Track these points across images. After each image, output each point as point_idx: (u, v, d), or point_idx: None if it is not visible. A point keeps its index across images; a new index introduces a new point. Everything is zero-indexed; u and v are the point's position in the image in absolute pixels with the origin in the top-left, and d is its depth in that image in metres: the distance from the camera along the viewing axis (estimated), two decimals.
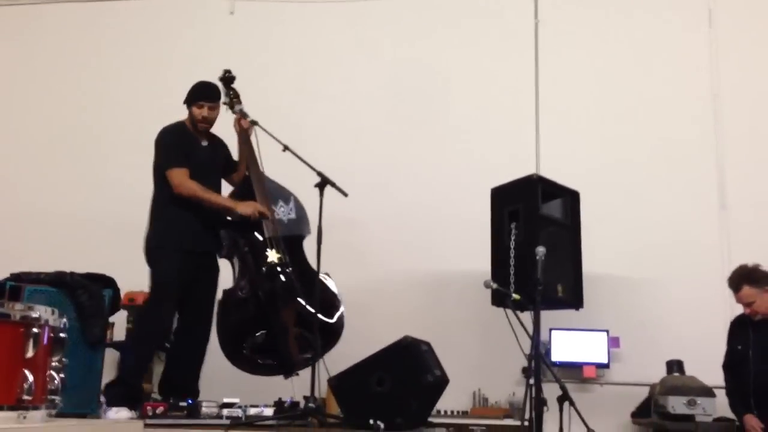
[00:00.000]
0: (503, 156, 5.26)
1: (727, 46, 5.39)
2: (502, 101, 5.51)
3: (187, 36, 5.97)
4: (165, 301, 3.85)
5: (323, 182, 3.75)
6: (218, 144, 4.17)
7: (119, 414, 3.43)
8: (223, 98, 4.14)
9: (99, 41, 6.05)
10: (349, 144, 5.48)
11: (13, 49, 6.16)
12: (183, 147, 3.96)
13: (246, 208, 3.88)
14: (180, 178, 3.85)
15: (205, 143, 4.07)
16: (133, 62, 5.95)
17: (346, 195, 3.75)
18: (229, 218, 3.90)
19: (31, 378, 1.90)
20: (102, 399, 3.59)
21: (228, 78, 4.20)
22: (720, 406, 4.30)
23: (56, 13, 6.13)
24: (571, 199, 4.45)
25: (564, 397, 3.46)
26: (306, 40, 5.82)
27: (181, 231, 3.87)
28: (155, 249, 3.89)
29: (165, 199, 3.93)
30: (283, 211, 4.05)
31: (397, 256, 5.28)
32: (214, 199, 3.90)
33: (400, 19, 5.77)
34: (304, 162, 3.84)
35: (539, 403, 3.37)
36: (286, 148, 4.02)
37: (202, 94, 4.01)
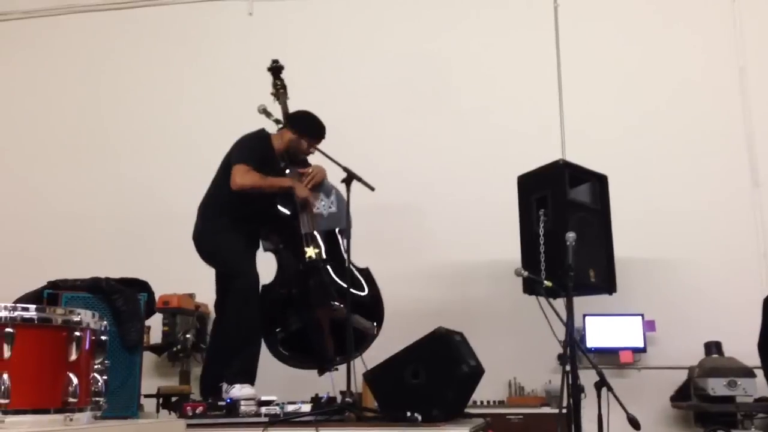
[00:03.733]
0: (529, 142, 5.24)
1: (751, 19, 5.30)
2: (525, 87, 5.49)
3: (206, 38, 6.03)
4: (240, 269, 3.86)
5: (350, 177, 3.76)
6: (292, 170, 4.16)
7: (243, 391, 3.53)
8: (270, 89, 4.22)
9: (120, 48, 6.15)
10: (375, 137, 5.50)
11: (38, 60, 6.27)
12: (260, 153, 3.97)
13: (302, 190, 3.92)
14: (240, 171, 3.83)
15: (282, 164, 4.08)
16: (155, 67, 6.04)
17: (372, 189, 3.76)
18: (284, 211, 3.92)
19: (75, 381, 1.93)
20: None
21: (276, 68, 4.24)
22: (761, 386, 4.24)
23: (76, 22, 6.23)
24: (599, 182, 4.40)
25: (601, 383, 3.42)
26: (324, 38, 5.84)
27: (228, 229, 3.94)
28: (211, 237, 3.95)
29: (214, 199, 3.99)
30: (323, 205, 4.07)
31: (426, 247, 5.29)
32: (274, 182, 3.91)
33: (420, 9, 5.77)
34: (330, 158, 3.85)
35: (576, 390, 3.34)
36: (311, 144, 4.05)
37: (321, 134, 4.06)
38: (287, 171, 4.08)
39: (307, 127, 4.05)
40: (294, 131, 4.02)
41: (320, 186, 4.11)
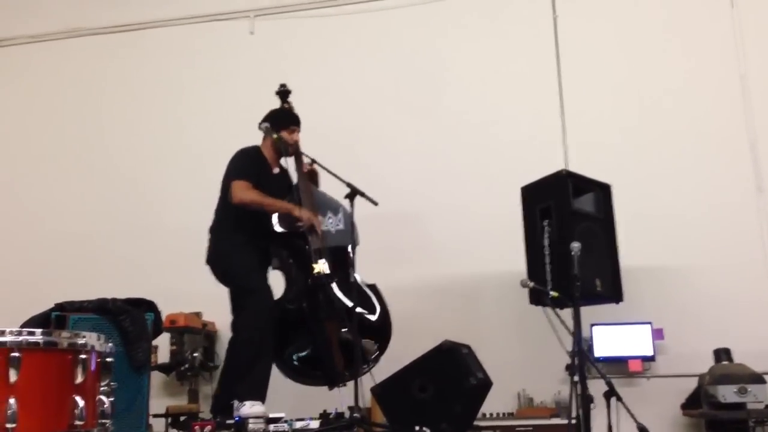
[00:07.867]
0: (532, 153, 5.23)
1: (751, 25, 5.29)
2: (526, 98, 5.48)
3: (208, 58, 6.06)
4: (254, 286, 3.86)
5: (353, 193, 3.77)
6: (285, 173, 4.20)
7: (253, 409, 3.48)
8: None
9: (122, 69, 6.17)
10: (379, 150, 5.50)
11: (43, 82, 6.31)
12: (255, 168, 4.01)
13: (304, 213, 3.92)
14: (240, 186, 3.88)
15: (276, 170, 4.11)
16: (157, 87, 6.07)
17: (376, 204, 3.77)
18: (279, 229, 3.91)
19: (81, 403, 1.93)
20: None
21: (284, 92, 4.30)
22: None
23: (80, 45, 6.27)
24: (602, 192, 4.41)
25: (610, 393, 3.41)
26: (325, 55, 5.86)
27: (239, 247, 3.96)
28: (225, 256, 3.97)
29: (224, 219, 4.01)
30: (331, 222, 4.09)
31: (432, 259, 5.27)
32: (273, 202, 3.92)
33: (419, 21, 5.78)
34: (333, 174, 3.86)
35: (585, 401, 3.33)
36: (313, 161, 4.08)
37: (293, 119, 4.15)
38: (295, 181, 4.11)
39: (275, 120, 4.10)
40: (269, 131, 4.06)
41: (327, 203, 4.12)
